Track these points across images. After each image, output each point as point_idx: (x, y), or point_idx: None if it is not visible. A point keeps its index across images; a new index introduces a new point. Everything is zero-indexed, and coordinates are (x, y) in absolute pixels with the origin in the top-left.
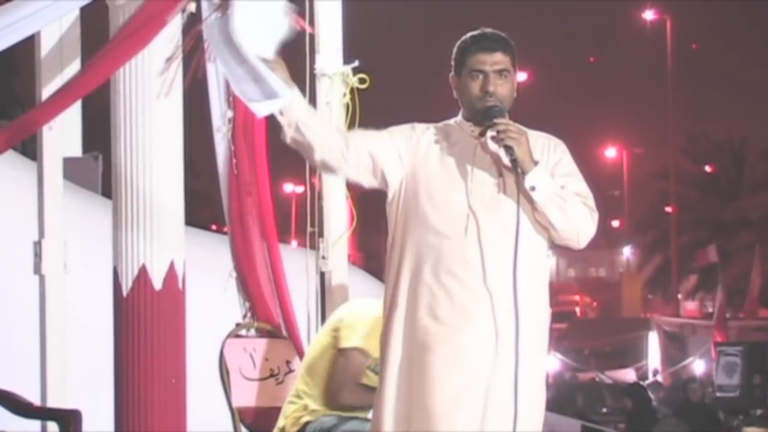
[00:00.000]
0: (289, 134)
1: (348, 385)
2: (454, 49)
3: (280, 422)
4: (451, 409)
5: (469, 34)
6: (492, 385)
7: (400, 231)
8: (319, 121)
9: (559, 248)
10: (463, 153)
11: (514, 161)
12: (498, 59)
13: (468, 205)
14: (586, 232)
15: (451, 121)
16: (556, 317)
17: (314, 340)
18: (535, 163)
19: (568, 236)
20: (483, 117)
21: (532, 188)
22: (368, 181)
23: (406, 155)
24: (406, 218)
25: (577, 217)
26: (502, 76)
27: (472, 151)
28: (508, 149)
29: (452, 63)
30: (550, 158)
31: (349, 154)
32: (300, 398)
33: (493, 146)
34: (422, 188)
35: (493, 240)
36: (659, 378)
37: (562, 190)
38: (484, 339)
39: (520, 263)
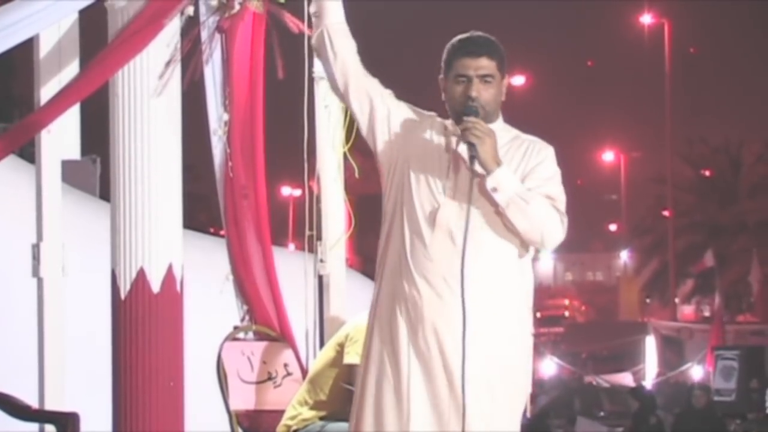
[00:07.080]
0: (314, 37)
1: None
2: (444, 52)
3: (279, 428)
4: (421, 410)
5: (457, 38)
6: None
7: (386, 227)
8: (345, 42)
9: (556, 252)
10: (445, 153)
11: (472, 158)
12: (483, 64)
13: (440, 203)
14: (551, 235)
15: (447, 121)
16: (546, 321)
17: (321, 353)
18: (499, 164)
19: (531, 237)
20: (460, 117)
21: (494, 189)
22: (360, 119)
23: (398, 133)
24: (392, 218)
25: (541, 219)
26: (486, 82)
27: (452, 152)
28: (471, 146)
29: (442, 65)
30: (530, 161)
31: (360, 84)
32: (301, 406)
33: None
34: (411, 184)
35: (461, 240)
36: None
37: (527, 192)
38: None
39: (478, 263)
